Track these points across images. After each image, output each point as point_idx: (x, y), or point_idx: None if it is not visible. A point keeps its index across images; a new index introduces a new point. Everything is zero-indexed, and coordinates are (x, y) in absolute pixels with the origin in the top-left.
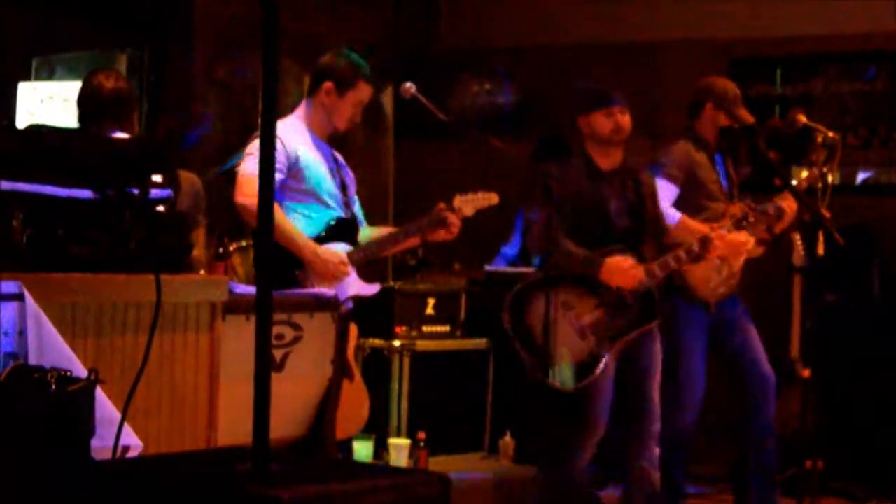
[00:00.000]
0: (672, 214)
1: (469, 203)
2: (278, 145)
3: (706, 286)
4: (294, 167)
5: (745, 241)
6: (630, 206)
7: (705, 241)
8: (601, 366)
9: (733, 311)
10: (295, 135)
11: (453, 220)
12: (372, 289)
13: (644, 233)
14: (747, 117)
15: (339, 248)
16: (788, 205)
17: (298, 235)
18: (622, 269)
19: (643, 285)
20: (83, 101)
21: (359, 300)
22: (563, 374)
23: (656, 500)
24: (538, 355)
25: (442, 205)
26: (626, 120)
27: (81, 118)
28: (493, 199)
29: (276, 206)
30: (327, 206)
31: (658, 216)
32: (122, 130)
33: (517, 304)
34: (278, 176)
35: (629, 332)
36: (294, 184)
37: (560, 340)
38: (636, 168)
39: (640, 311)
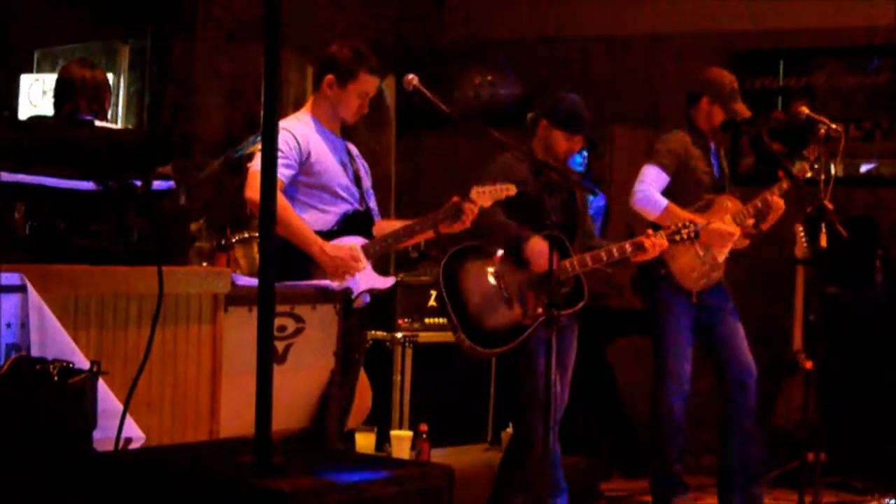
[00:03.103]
0: (658, 201)
1: (487, 194)
2: (291, 140)
3: (689, 276)
4: (306, 162)
5: (731, 232)
6: (564, 205)
7: (638, 245)
8: (525, 335)
9: (719, 301)
10: (306, 129)
11: (467, 212)
12: (387, 282)
13: (576, 228)
14: (744, 112)
15: (354, 242)
16: (776, 201)
17: (306, 232)
18: (543, 252)
19: (567, 272)
20: (57, 86)
21: (374, 294)
22: (486, 339)
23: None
24: (465, 319)
25: (456, 198)
26: (576, 149)
27: (56, 103)
28: (511, 189)
29: (286, 203)
30: (341, 199)
31: (589, 223)
32: (94, 114)
33: (451, 268)
34: (290, 171)
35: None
36: (306, 178)
37: (489, 307)
38: (569, 176)
39: (569, 292)
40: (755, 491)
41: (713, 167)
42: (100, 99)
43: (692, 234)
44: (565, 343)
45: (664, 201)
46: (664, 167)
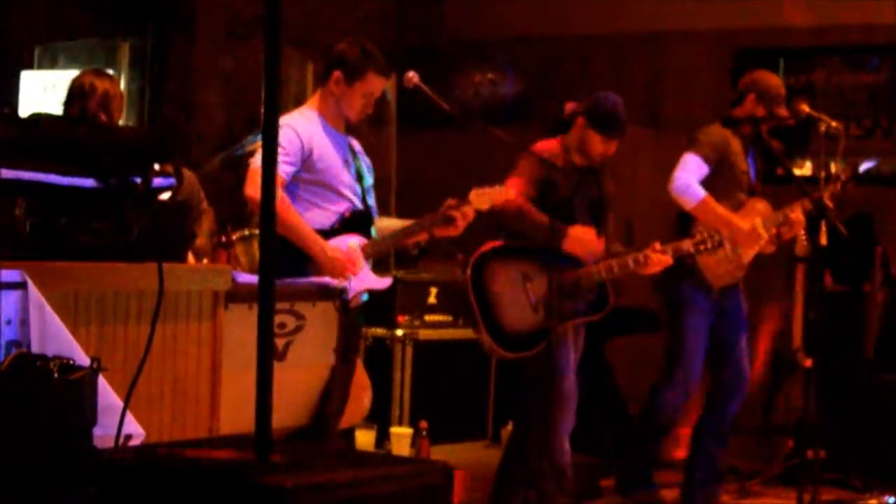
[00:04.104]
0: (697, 191)
1: (484, 197)
2: (294, 137)
3: (713, 272)
4: (308, 159)
5: (761, 235)
6: (592, 203)
7: (645, 258)
8: (547, 342)
9: (734, 304)
10: (310, 125)
11: (459, 219)
12: (384, 282)
13: (603, 229)
14: (784, 114)
15: (353, 241)
16: (796, 216)
17: (306, 231)
18: (585, 239)
19: (594, 277)
20: (69, 90)
21: (371, 293)
22: (507, 341)
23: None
24: (489, 318)
25: (450, 201)
26: (613, 151)
27: (65, 107)
28: (508, 193)
29: (287, 201)
30: (342, 196)
31: (609, 220)
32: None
33: (479, 268)
34: (291, 168)
35: (578, 317)
36: (308, 175)
37: (514, 309)
38: (601, 170)
39: (593, 299)
40: (714, 491)
41: (750, 168)
42: (108, 107)
43: (716, 245)
44: (577, 344)
45: (702, 192)
46: (705, 158)
